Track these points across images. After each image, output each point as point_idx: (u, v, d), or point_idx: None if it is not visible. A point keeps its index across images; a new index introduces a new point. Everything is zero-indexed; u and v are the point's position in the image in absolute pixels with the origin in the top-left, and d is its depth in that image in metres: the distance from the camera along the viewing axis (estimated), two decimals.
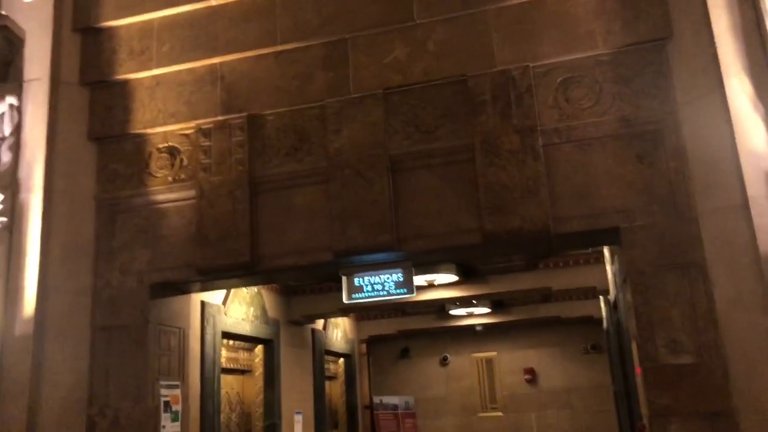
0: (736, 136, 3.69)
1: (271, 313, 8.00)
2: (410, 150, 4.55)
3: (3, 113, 4.91)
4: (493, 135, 4.35)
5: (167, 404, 4.91)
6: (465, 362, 13.09)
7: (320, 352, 9.60)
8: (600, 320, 10.09)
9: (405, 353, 13.17)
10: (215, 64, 4.99)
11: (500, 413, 12.75)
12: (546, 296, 10.17)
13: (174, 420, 4.94)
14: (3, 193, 4.61)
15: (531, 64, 4.40)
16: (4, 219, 4.57)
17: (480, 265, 8.36)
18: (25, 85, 4.97)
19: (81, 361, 4.77)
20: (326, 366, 10.00)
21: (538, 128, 4.29)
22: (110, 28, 5.23)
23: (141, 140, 5.11)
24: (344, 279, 5.24)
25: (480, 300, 9.99)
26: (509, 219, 4.21)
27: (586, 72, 4.32)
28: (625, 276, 4.29)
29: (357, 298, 5.25)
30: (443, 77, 4.59)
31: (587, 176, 4.19)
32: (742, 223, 3.70)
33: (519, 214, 4.19)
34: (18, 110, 4.90)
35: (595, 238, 4.59)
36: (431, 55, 4.63)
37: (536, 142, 4.27)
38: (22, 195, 4.73)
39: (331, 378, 10.54)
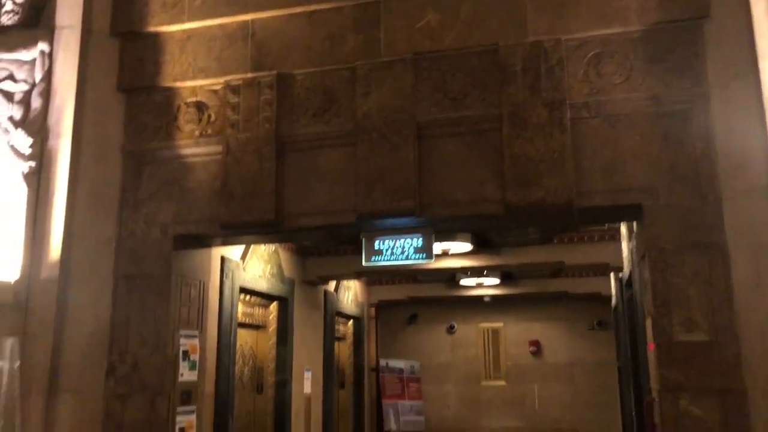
0: None
1: (287, 272, 8.12)
2: (438, 117, 4.57)
3: (34, 59, 4.94)
4: (522, 106, 4.36)
5: (186, 353, 5.04)
6: (471, 331, 13.26)
7: (331, 313, 9.75)
8: (608, 297, 10.18)
9: (413, 319, 13.34)
10: (247, 20, 4.99)
11: (503, 383, 12.95)
12: (556, 271, 10.25)
13: (191, 369, 5.07)
14: (33, 137, 4.67)
15: (563, 37, 4.38)
16: (32, 163, 4.64)
17: (496, 236, 8.42)
18: (56, 32, 4.98)
19: (103, 308, 4.88)
20: (336, 327, 10.16)
21: (567, 102, 4.29)
22: None
23: (170, 93, 5.14)
24: (364, 241, 5.32)
25: (491, 271, 10.08)
26: (533, 191, 4.24)
27: (619, 48, 4.30)
28: (644, 253, 4.33)
29: (376, 261, 5.33)
30: (474, 45, 4.58)
31: (613, 152, 4.21)
32: (765, 207, 3.72)
33: (543, 187, 4.22)
34: (49, 57, 4.93)
35: (617, 213, 4.63)
36: (463, 22, 4.61)
37: (564, 116, 4.28)
38: (51, 141, 4.79)
39: (341, 339, 10.71)
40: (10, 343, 4.20)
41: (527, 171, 4.27)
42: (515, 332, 13.05)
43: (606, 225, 7.51)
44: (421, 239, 5.21)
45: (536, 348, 12.89)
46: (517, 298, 11.96)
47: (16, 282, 4.51)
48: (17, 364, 4.20)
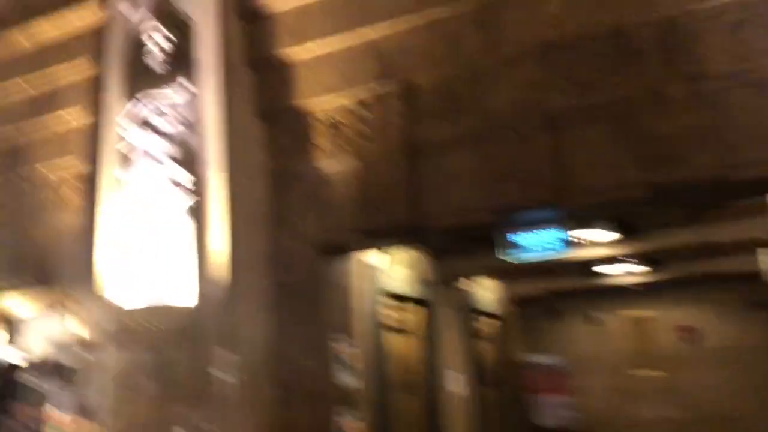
0: None
1: (425, 273, 8.25)
2: (568, 105, 4.51)
3: (184, 99, 5.36)
4: (658, 84, 4.22)
5: (340, 357, 5.27)
6: (616, 321, 12.83)
7: (471, 311, 9.79)
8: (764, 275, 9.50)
9: (553, 312, 13.10)
10: (369, 36, 5.15)
11: (654, 372, 12.41)
12: (704, 251, 9.68)
13: (346, 372, 5.30)
14: (192, 171, 5.10)
15: (696, 8, 4.19)
16: (194, 195, 5.08)
17: (637, 220, 8.09)
18: (200, 71, 5.39)
19: (264, 317, 5.20)
20: (477, 325, 10.17)
21: (707, 74, 4.10)
22: (270, 11, 5.52)
23: (304, 114, 5.41)
24: (501, 237, 5.34)
25: (634, 257, 9.70)
26: (679, 170, 4.09)
27: (762, 11, 4.04)
28: None
29: (515, 256, 5.33)
30: (599, 28, 4.47)
31: (765, 120, 3.97)
32: None
33: (689, 164, 4.06)
34: (196, 95, 5.34)
35: None
36: (586, 5, 4.53)
37: (705, 88, 4.09)
38: (207, 172, 5.18)
39: (482, 337, 10.71)
40: (230, 358, 4.61)
41: (670, 150, 4.12)
42: (663, 318, 12.48)
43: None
44: (559, 230, 5.17)
45: (688, 333, 12.25)
46: (664, 283, 11.41)
47: (195, 307, 4.94)
48: (237, 376, 4.62)
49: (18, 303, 6.99)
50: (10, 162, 6.99)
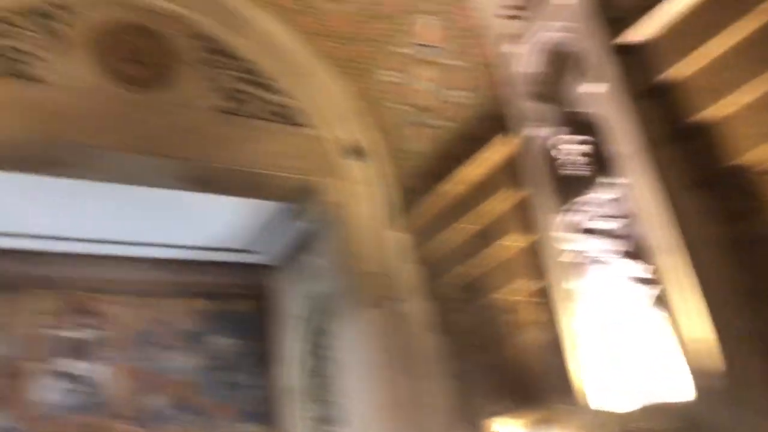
0: None
1: None
2: None
3: (616, 195, 5.40)
4: None
5: None
6: None
7: None
8: None
9: None
10: None
11: None
12: None
13: None
14: (648, 262, 5.01)
15: None
16: (657, 285, 4.95)
17: None
18: (620, 162, 5.41)
19: None
20: None
21: None
22: (677, 80, 5.34)
23: (745, 171, 4.97)
24: None
25: None
26: None
27: None
28: None
29: None
30: None
31: None
32: None
33: None
34: (627, 186, 5.34)
35: None
36: None
37: None
38: (662, 259, 5.03)
39: None
40: None
41: None
42: None
43: None
44: None
45: None
46: None
47: (693, 401, 4.69)
48: None
49: (506, 424, 7.49)
50: (469, 295, 7.80)
